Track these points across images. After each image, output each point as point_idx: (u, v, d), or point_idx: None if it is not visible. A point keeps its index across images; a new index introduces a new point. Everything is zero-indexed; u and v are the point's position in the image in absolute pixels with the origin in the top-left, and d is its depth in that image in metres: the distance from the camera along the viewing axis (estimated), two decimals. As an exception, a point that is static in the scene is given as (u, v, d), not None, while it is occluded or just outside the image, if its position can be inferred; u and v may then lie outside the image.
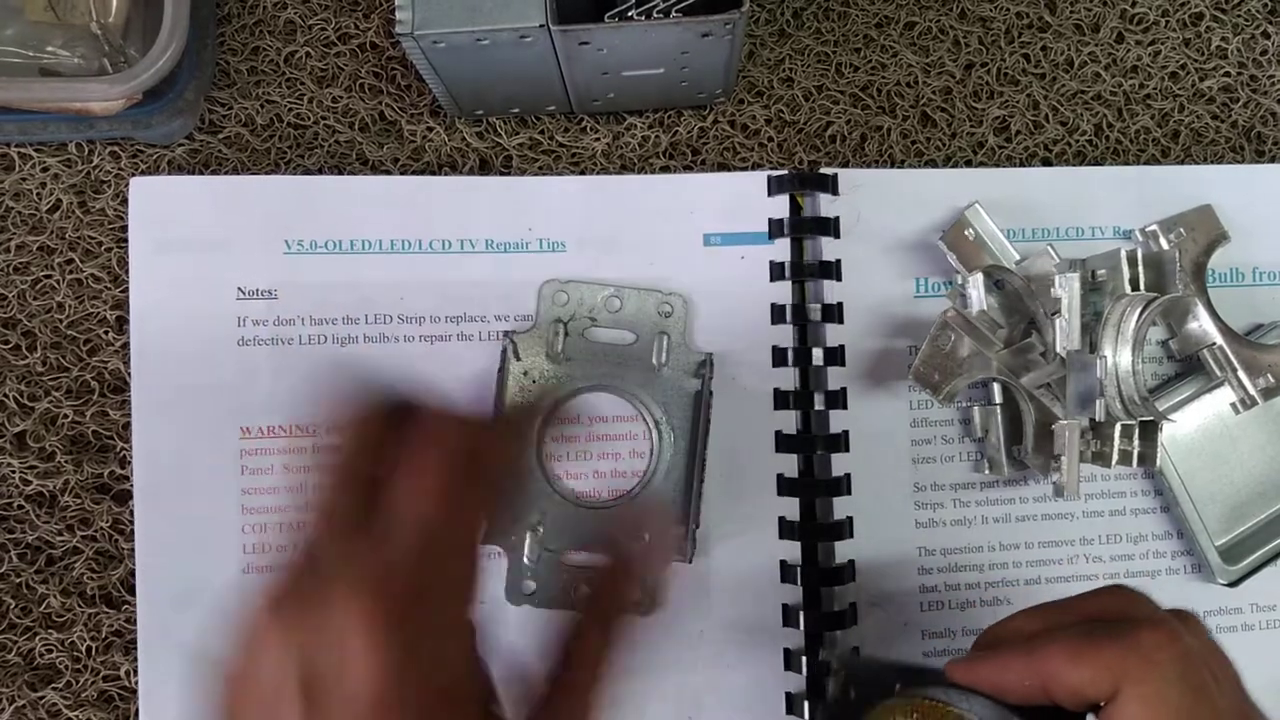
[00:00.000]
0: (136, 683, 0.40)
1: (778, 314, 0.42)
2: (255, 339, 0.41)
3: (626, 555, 0.29)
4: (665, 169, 0.44)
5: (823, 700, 0.39)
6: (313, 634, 0.22)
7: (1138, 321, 0.39)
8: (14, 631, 0.41)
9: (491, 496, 0.26)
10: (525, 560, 0.40)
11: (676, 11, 0.36)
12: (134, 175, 0.42)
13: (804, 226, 0.42)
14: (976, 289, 0.40)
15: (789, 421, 0.42)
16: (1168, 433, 0.42)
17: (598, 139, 0.44)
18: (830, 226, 0.42)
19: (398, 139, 0.44)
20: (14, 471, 0.42)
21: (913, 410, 0.42)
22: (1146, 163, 0.46)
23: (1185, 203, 0.44)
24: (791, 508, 0.41)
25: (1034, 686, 0.27)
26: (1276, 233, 0.45)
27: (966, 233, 0.42)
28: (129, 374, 0.41)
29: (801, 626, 0.40)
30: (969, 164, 0.45)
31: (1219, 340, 0.42)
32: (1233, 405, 0.43)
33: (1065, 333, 0.39)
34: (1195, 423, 0.43)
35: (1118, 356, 0.39)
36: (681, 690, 0.40)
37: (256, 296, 0.41)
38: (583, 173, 0.44)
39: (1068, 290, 0.39)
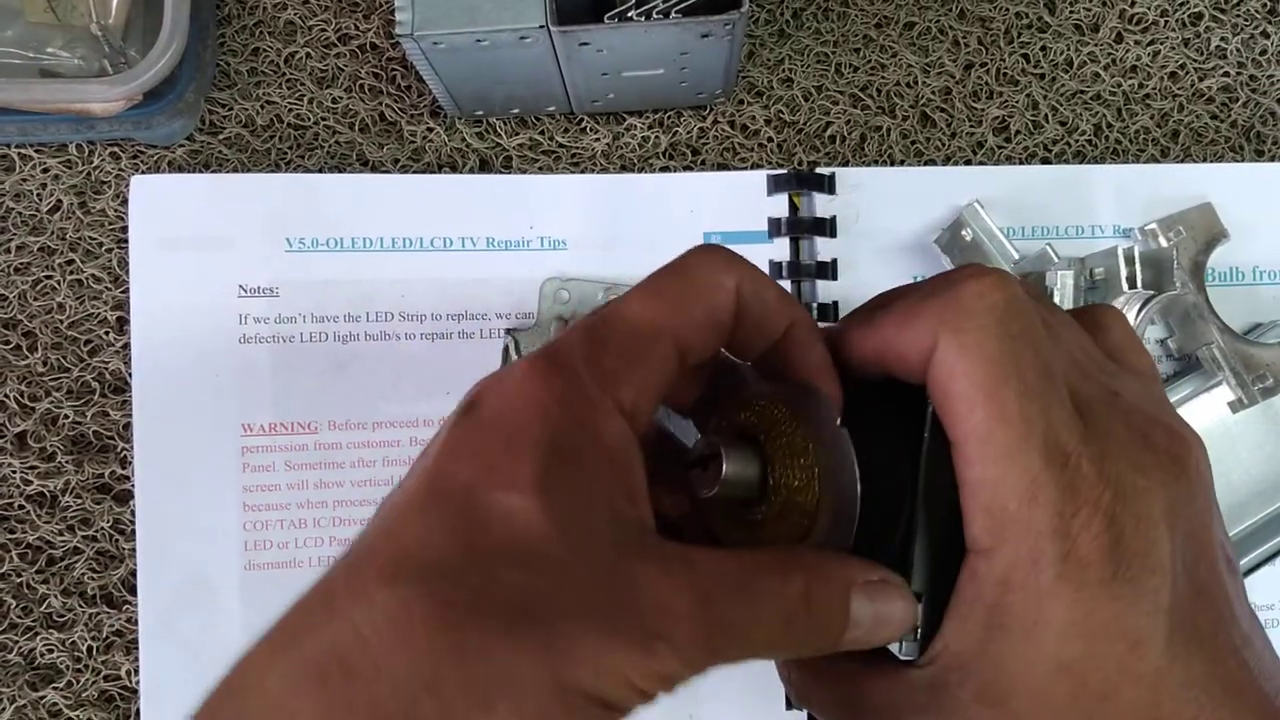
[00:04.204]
0: (138, 682, 0.40)
1: (777, 313, 0.42)
2: (257, 336, 0.41)
3: None
4: (665, 169, 0.44)
5: None
6: (484, 380, 0.24)
7: (1135, 320, 0.39)
8: (15, 631, 0.41)
9: (697, 299, 0.24)
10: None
11: (676, 12, 0.36)
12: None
13: (801, 226, 0.42)
14: (975, 288, 0.40)
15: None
16: (1167, 431, 0.42)
17: (598, 139, 0.44)
18: (826, 226, 0.42)
19: (398, 140, 0.44)
20: (15, 472, 0.42)
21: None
22: (1146, 163, 0.46)
23: (1185, 202, 0.44)
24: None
25: (872, 355, 0.26)
26: (1276, 232, 0.45)
27: (964, 232, 0.42)
28: (129, 375, 0.41)
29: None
30: (968, 164, 0.45)
31: (1217, 339, 0.42)
32: (1231, 405, 0.43)
33: (1064, 331, 0.39)
34: (1193, 422, 0.42)
35: (1117, 355, 0.39)
36: (681, 689, 0.40)
37: (258, 294, 0.41)
38: (583, 173, 0.44)
39: (1061, 288, 0.39)
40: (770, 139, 0.45)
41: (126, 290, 0.41)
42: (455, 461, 0.22)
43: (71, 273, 0.43)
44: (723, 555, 0.24)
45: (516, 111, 0.44)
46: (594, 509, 0.22)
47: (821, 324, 0.42)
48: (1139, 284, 0.40)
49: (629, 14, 0.36)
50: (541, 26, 0.36)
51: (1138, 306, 0.39)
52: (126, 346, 0.42)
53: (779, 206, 0.42)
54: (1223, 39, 0.46)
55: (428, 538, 0.21)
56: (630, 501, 0.23)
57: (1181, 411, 0.43)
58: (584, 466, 0.22)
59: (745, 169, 0.44)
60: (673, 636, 0.21)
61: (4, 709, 0.41)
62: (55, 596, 0.41)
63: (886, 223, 0.43)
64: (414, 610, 0.20)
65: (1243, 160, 0.46)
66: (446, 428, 0.23)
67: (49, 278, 0.43)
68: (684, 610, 0.22)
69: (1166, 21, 0.46)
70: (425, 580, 0.21)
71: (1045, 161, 0.46)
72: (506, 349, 0.41)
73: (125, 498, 0.42)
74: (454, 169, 0.44)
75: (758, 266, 0.26)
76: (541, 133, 0.44)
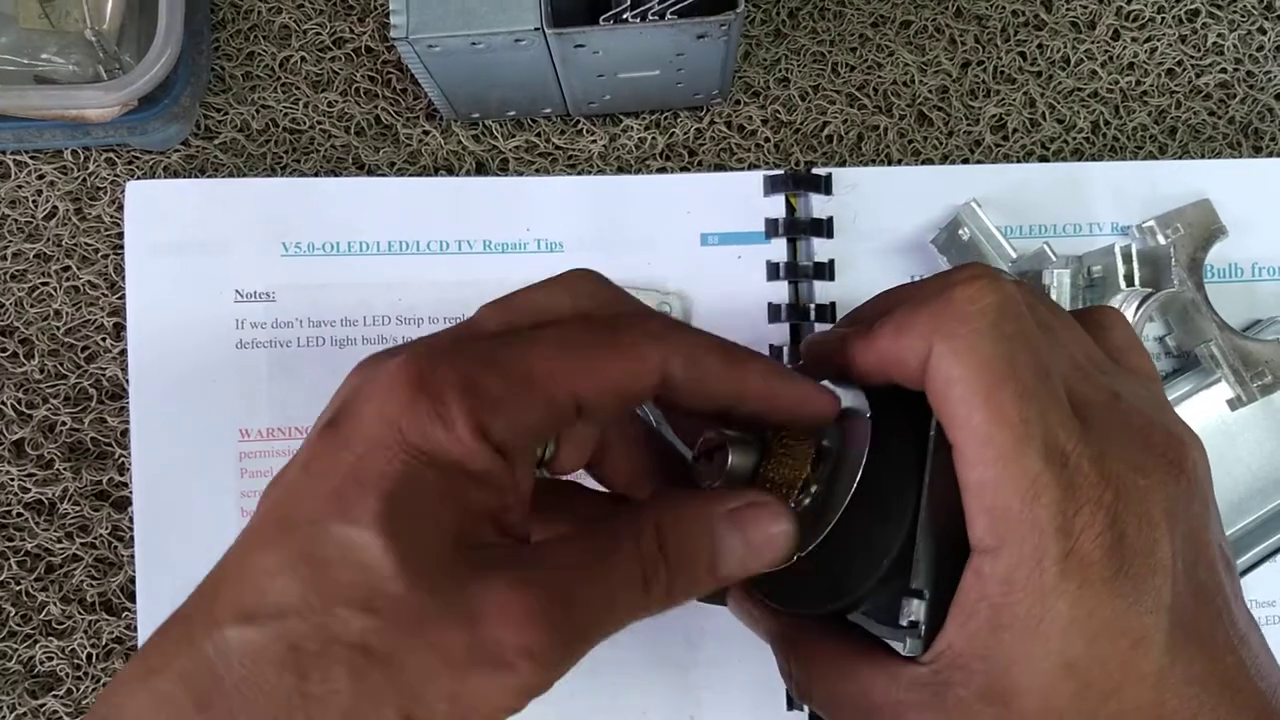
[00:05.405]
0: (137, 689, 0.40)
1: (774, 313, 0.42)
2: (254, 341, 0.41)
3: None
4: (662, 171, 0.44)
5: None
6: (357, 377, 0.24)
7: (1134, 317, 0.39)
8: (14, 639, 0.41)
9: (611, 367, 0.24)
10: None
11: (671, 13, 0.36)
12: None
13: (798, 227, 0.42)
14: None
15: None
16: (1166, 429, 0.42)
17: (594, 141, 0.44)
18: (823, 227, 0.42)
19: (393, 143, 0.44)
20: (13, 479, 0.41)
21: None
22: (1144, 160, 0.46)
23: (1183, 198, 0.44)
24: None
25: (875, 366, 0.26)
26: (1275, 228, 0.45)
27: (961, 232, 0.42)
28: (127, 381, 0.41)
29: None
30: (966, 163, 0.45)
31: (1216, 336, 0.42)
32: (1230, 402, 0.43)
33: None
34: (1192, 420, 0.43)
35: (1116, 353, 0.39)
36: (682, 689, 0.40)
37: (254, 299, 0.41)
38: (579, 175, 0.44)
39: (1058, 286, 0.39)
40: (767, 139, 0.45)
41: (123, 296, 0.41)
42: (308, 481, 0.23)
43: (68, 279, 0.42)
44: (574, 536, 0.24)
45: (512, 114, 0.44)
46: (442, 539, 0.22)
47: (821, 326, 0.42)
48: (1137, 281, 0.40)
49: (624, 15, 0.36)
50: (536, 29, 0.36)
51: (1136, 304, 0.39)
52: (123, 353, 0.41)
53: (776, 207, 0.42)
54: (1219, 35, 0.46)
55: (275, 575, 0.21)
56: (492, 524, 0.23)
57: (1180, 409, 0.43)
58: (435, 496, 0.22)
59: (742, 169, 0.44)
60: (527, 646, 0.21)
61: (4, 717, 0.41)
62: (54, 604, 0.41)
63: (884, 222, 0.43)
64: (261, 653, 0.21)
65: (1240, 156, 0.46)
66: (312, 436, 0.24)
67: (45, 284, 0.42)
68: (533, 614, 0.21)
69: (1163, 18, 0.46)
70: (272, 623, 0.21)
71: (1043, 159, 0.46)
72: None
73: (123, 504, 0.41)
74: (450, 172, 0.44)
75: (701, 334, 0.26)
76: (538, 135, 0.44)
